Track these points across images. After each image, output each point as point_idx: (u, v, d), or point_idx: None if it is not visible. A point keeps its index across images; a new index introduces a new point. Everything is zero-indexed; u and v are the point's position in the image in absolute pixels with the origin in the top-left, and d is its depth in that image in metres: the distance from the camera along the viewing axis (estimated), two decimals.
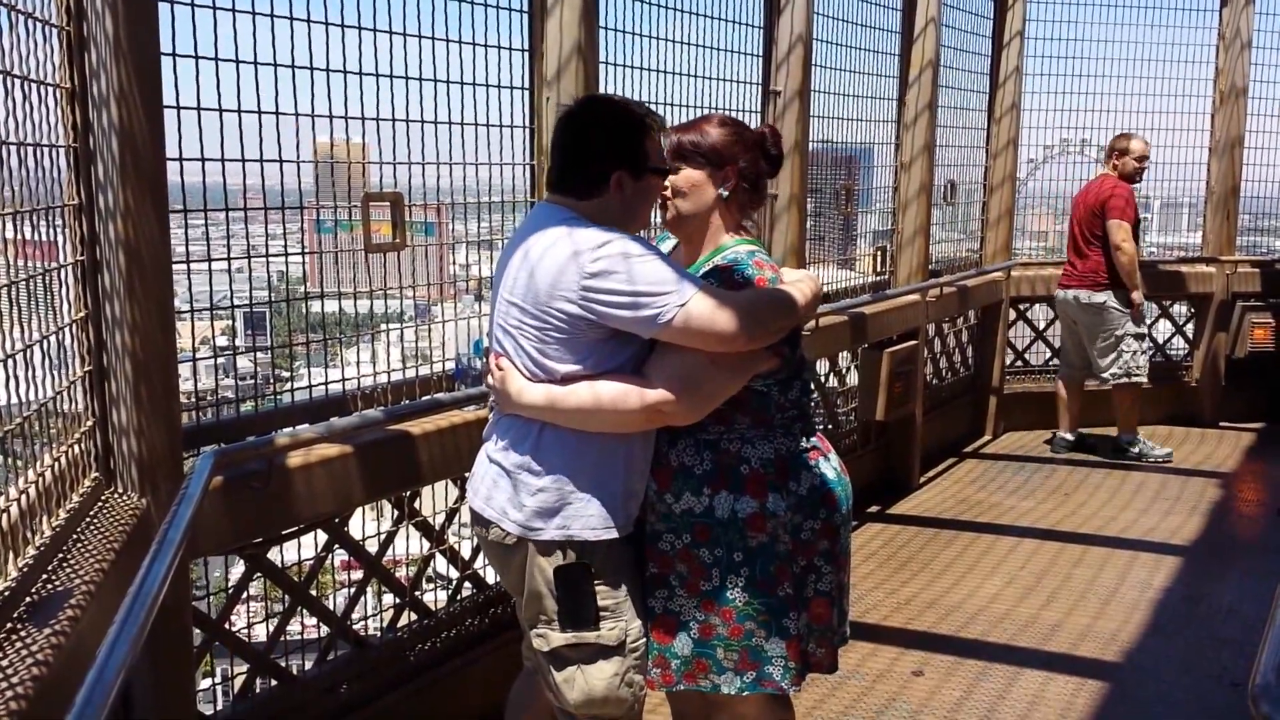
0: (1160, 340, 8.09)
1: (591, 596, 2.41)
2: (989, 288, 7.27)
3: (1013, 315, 7.70)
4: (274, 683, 3.12)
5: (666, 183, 2.55)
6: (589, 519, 2.39)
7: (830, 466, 2.59)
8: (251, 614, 3.43)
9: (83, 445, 2.32)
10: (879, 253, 6.39)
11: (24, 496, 1.94)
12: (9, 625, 1.75)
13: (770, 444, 2.49)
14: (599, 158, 2.42)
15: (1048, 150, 8.01)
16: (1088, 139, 7.94)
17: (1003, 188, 7.49)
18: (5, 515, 1.84)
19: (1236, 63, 7.71)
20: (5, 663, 1.64)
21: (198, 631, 2.80)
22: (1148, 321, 8.01)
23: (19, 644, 1.70)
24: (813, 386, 5.11)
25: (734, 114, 4.76)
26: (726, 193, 2.55)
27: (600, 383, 2.36)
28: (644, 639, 2.49)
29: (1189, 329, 8.05)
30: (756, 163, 2.60)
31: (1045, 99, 7.73)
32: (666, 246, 2.76)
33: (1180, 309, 8.11)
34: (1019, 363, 7.88)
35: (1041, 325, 7.96)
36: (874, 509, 5.90)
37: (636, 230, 2.49)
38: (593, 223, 2.37)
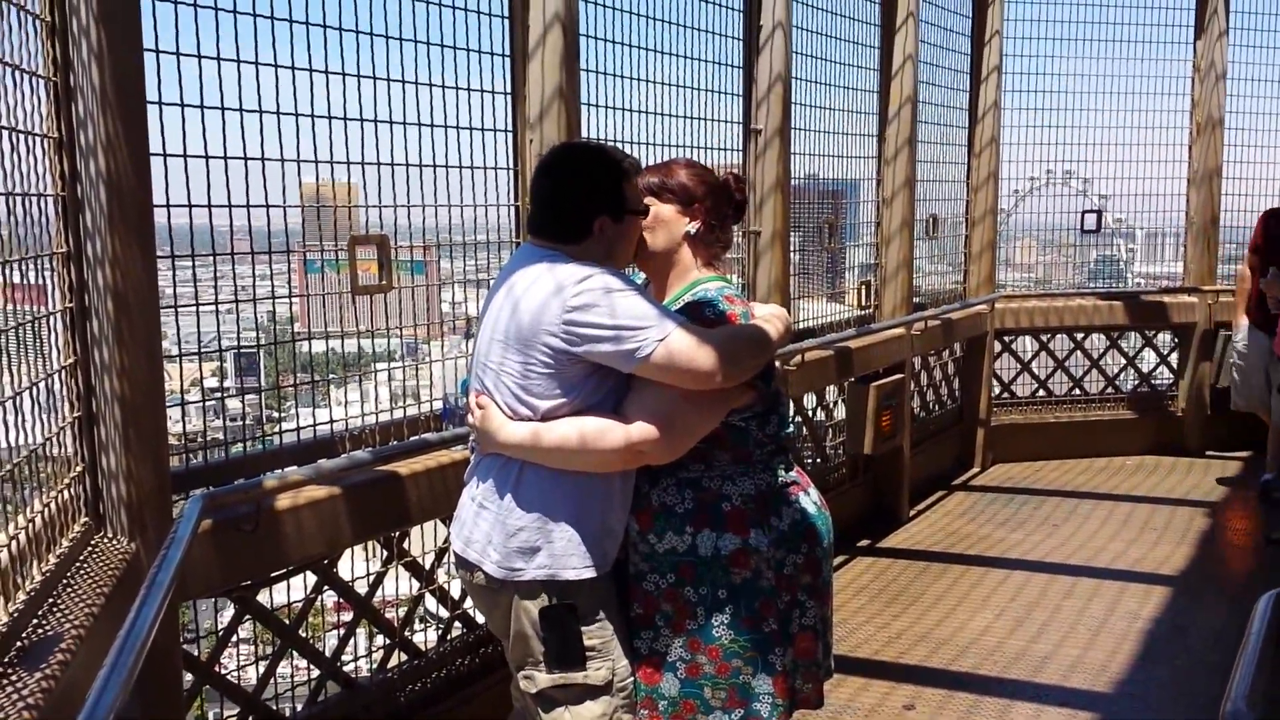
0: (1145, 370, 8.14)
1: (577, 637, 2.41)
2: (973, 320, 7.33)
3: (998, 347, 7.75)
4: None
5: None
6: (569, 558, 2.39)
7: (810, 501, 2.60)
8: (242, 657, 3.42)
9: (72, 490, 2.33)
10: (864, 287, 6.44)
11: (14, 541, 1.95)
12: (0, 669, 1.76)
13: (751, 480, 2.50)
14: (579, 206, 2.45)
15: (1032, 182, 8.10)
16: (1070, 171, 8.03)
17: (984, 221, 7.56)
18: None
19: (1212, 94, 7.81)
20: None
21: (188, 675, 2.80)
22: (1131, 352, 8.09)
23: (10, 688, 1.71)
24: (791, 419, 5.12)
25: (716, 152, 4.86)
26: (694, 230, 2.59)
27: (581, 419, 2.37)
28: (631, 678, 2.48)
29: (1173, 359, 8.11)
30: (721, 205, 2.64)
31: (1025, 133, 7.82)
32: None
33: (1164, 338, 8.17)
34: (1005, 394, 7.92)
35: (1027, 357, 8.00)
36: (864, 543, 5.91)
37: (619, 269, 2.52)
38: (574, 260, 2.40)
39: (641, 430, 2.35)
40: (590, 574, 2.41)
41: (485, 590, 2.50)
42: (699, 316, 2.46)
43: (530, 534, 2.39)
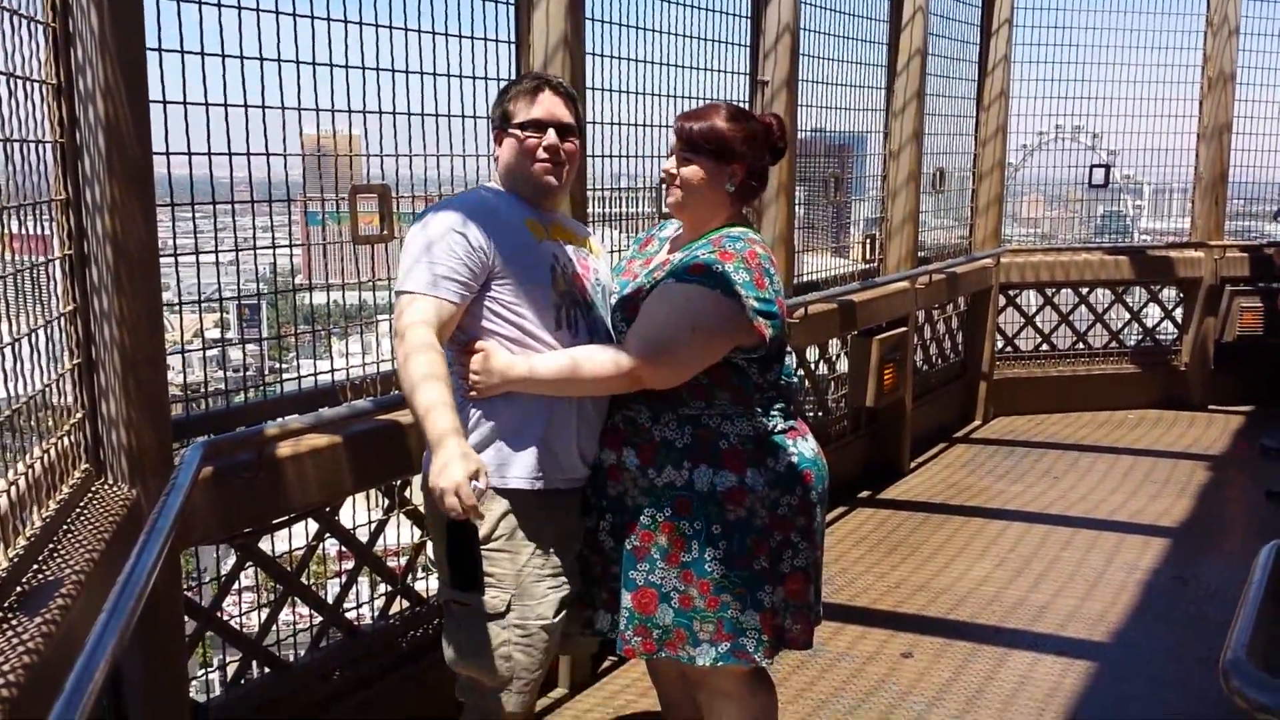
0: (1149, 325, 8.13)
1: (476, 560, 2.44)
2: (978, 274, 7.30)
3: (1002, 301, 7.73)
4: (267, 670, 3.15)
5: (674, 171, 2.60)
6: (498, 466, 2.45)
7: (808, 446, 2.64)
8: (246, 604, 3.46)
9: (72, 437, 2.34)
10: (869, 241, 6.42)
11: (14, 488, 1.96)
12: (0, 615, 1.78)
13: (749, 421, 2.55)
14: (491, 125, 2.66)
15: (1040, 137, 8.04)
16: (1080, 126, 7.97)
17: (992, 175, 7.51)
18: None
19: (1224, 49, 7.73)
20: None
21: (190, 620, 2.83)
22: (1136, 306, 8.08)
23: (10, 633, 1.73)
24: (796, 372, 5.13)
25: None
26: (733, 187, 2.61)
27: (578, 349, 2.47)
28: (544, 629, 2.49)
29: (1178, 313, 8.09)
30: (761, 156, 2.66)
31: (1035, 86, 7.76)
32: (667, 232, 2.81)
33: (1169, 294, 8.15)
34: (1009, 349, 7.91)
35: (1032, 311, 7.99)
36: (865, 494, 5.94)
37: (531, 187, 2.57)
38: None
39: (637, 358, 2.42)
40: (516, 484, 2.46)
41: (426, 503, 2.58)
42: (720, 248, 2.52)
43: (474, 437, 2.46)
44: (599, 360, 2.44)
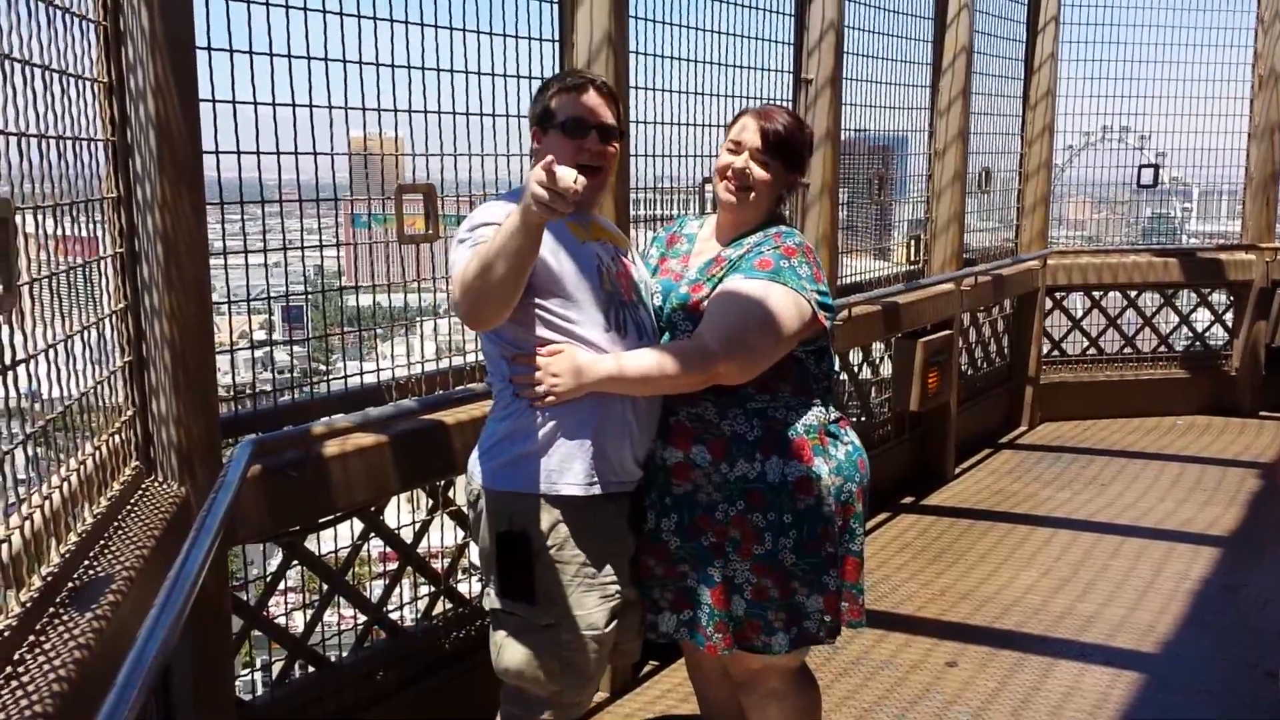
0: (1199, 329, 8.00)
1: (528, 570, 2.41)
2: (1024, 276, 7.22)
3: (1049, 304, 7.63)
4: (311, 669, 3.16)
5: (747, 167, 2.59)
6: (553, 473, 2.41)
7: (855, 435, 2.73)
8: (290, 604, 3.47)
9: (123, 434, 2.35)
10: (913, 242, 6.36)
11: (66, 484, 1.97)
12: (52, 609, 1.79)
13: (810, 412, 2.60)
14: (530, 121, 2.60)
15: (1086, 137, 7.94)
16: (1127, 126, 7.87)
17: (1038, 175, 7.42)
18: (48, 502, 1.87)
19: (1276, 45, 7.59)
20: (48, 645, 1.68)
21: (237, 619, 2.84)
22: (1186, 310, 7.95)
23: (61, 628, 1.73)
24: (840, 374, 5.12)
25: (765, 101, 4.78)
26: (789, 192, 2.71)
27: (661, 348, 2.48)
28: (595, 640, 2.45)
29: (1228, 317, 7.95)
30: (807, 159, 2.74)
31: (1081, 85, 7.68)
32: (692, 228, 2.82)
33: (1219, 297, 8.02)
34: (1055, 352, 7.81)
35: (1079, 314, 7.88)
36: (908, 500, 5.88)
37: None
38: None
39: (717, 354, 2.44)
40: (569, 490, 2.41)
41: (471, 510, 2.55)
42: (780, 244, 2.57)
43: (506, 444, 2.45)
44: (685, 358, 2.44)
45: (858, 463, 2.64)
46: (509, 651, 2.47)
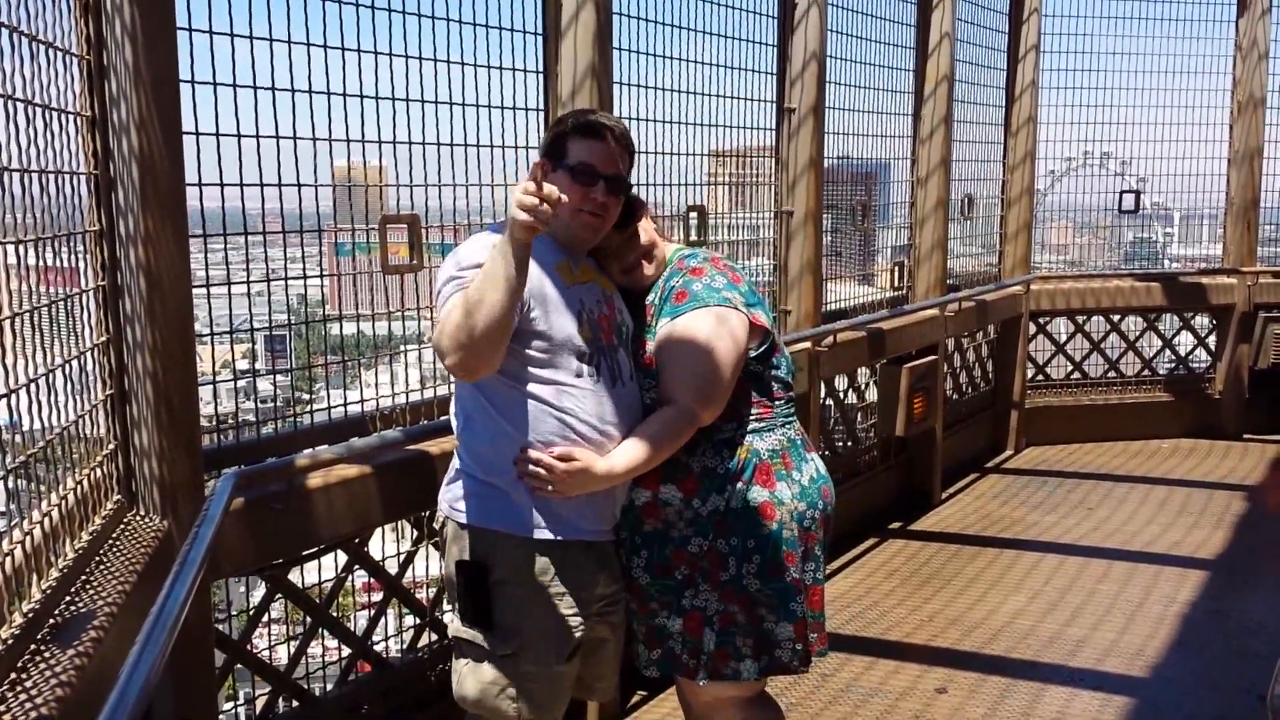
0: (1182, 353, 8.04)
1: (485, 600, 2.40)
2: (1008, 301, 7.25)
3: (1033, 329, 7.67)
4: (295, 703, 3.13)
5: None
6: (512, 511, 2.40)
7: (820, 462, 2.71)
8: (273, 636, 3.44)
9: (105, 468, 2.34)
10: (896, 268, 6.38)
11: (47, 519, 1.96)
12: (33, 646, 1.77)
13: (774, 434, 2.59)
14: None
15: (1068, 163, 8.00)
16: (1109, 152, 7.93)
17: (1020, 201, 7.47)
18: (29, 538, 1.86)
19: (1254, 73, 7.68)
20: (30, 683, 1.66)
21: (220, 653, 2.82)
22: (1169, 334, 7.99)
23: (43, 665, 1.71)
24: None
25: (749, 131, 4.83)
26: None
27: (653, 423, 2.45)
28: (556, 673, 2.44)
29: (1211, 341, 8.00)
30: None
31: (1062, 112, 7.75)
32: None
33: (1202, 321, 8.06)
34: (1040, 377, 7.84)
35: (1062, 339, 7.92)
36: (895, 525, 5.87)
37: (567, 233, 2.46)
38: None
39: (698, 406, 2.46)
40: (538, 535, 2.40)
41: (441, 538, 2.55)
42: (684, 268, 2.59)
43: (461, 476, 2.45)
44: (675, 429, 2.45)
45: (822, 490, 2.64)
46: (469, 680, 2.46)
